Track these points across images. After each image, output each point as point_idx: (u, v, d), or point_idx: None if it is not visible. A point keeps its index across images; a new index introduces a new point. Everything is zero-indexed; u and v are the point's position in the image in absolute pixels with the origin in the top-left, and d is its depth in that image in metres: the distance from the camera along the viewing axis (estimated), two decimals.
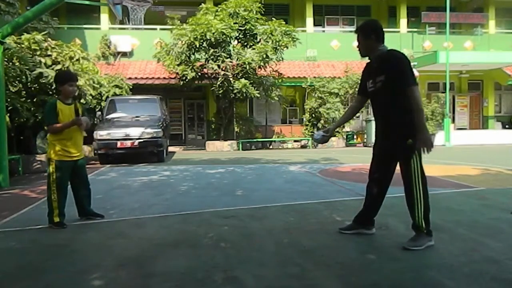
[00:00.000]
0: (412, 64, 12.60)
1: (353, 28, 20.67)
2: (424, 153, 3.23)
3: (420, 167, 3.31)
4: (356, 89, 17.56)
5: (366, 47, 3.47)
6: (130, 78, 15.90)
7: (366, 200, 3.70)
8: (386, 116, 3.43)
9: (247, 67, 14.42)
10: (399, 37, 19.38)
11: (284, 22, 15.22)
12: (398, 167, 3.44)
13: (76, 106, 4.32)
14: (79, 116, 4.23)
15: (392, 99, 3.32)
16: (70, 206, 5.06)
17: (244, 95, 14.69)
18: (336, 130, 17.19)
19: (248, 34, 15.09)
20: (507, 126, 20.29)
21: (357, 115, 17.47)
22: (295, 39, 15.15)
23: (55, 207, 4.18)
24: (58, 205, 4.19)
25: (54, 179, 4.21)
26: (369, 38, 3.42)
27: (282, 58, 15.52)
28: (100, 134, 10.72)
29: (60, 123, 4.17)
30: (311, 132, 17.52)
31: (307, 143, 17.22)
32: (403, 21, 19.79)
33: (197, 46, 14.17)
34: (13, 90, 9.21)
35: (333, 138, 17.04)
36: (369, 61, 3.57)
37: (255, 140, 17.30)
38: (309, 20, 19.42)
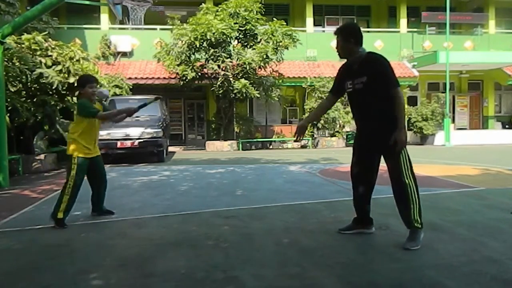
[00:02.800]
0: (412, 64, 12.77)
1: None
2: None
3: (409, 165, 3.34)
4: None
5: (345, 49, 3.53)
6: (130, 78, 15.89)
7: (355, 201, 3.73)
8: (367, 116, 3.49)
9: (247, 67, 14.42)
10: (399, 37, 19.39)
11: (284, 23, 15.23)
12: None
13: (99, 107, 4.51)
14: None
15: (374, 100, 3.39)
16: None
17: (244, 95, 14.68)
18: (336, 130, 17.27)
19: (248, 34, 15.09)
20: (507, 126, 20.28)
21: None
22: (295, 40, 15.16)
23: (64, 201, 4.20)
24: (68, 201, 4.23)
25: (74, 175, 4.26)
26: (348, 41, 3.48)
27: (282, 59, 15.52)
28: (100, 134, 10.65)
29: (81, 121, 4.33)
30: (311, 132, 17.51)
31: (307, 143, 17.22)
32: (403, 21, 19.78)
33: (197, 46, 14.17)
34: (13, 90, 9.21)
35: (333, 138, 17.07)
36: (346, 62, 3.62)
37: (255, 140, 17.30)
38: (309, 20, 19.41)
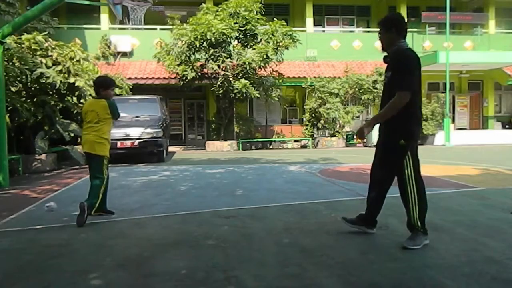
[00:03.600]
0: None
1: (353, 28, 20.71)
2: (357, 137, 3.45)
3: (413, 168, 3.32)
4: (356, 89, 17.61)
5: (387, 40, 3.43)
6: (130, 78, 15.90)
7: (367, 199, 3.70)
8: None
9: (247, 67, 14.42)
10: None
11: (285, 23, 15.23)
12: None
13: None
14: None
15: (392, 98, 3.33)
16: (69, 206, 5.07)
17: (244, 95, 14.69)
18: (336, 130, 17.32)
19: (248, 34, 15.09)
20: (507, 126, 20.28)
21: (357, 115, 17.51)
22: (295, 40, 15.16)
23: (100, 199, 4.47)
24: (103, 197, 4.55)
25: (107, 173, 4.56)
26: (390, 31, 3.38)
27: (282, 59, 15.52)
28: None
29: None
30: (311, 132, 17.51)
31: (307, 143, 17.22)
32: None
33: (197, 46, 14.17)
34: (13, 90, 9.22)
35: (333, 138, 17.06)
36: (386, 54, 3.51)
37: (255, 140, 17.30)
38: (309, 20, 19.41)
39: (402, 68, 3.27)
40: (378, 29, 3.50)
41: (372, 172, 3.66)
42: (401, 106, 3.24)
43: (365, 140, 16.61)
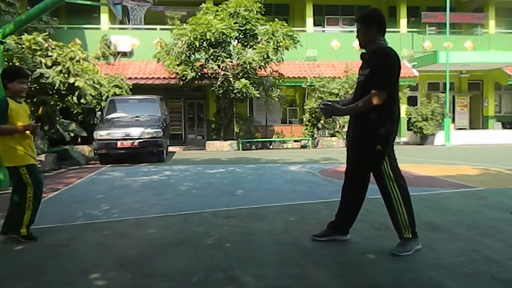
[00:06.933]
0: (412, 64, 12.63)
1: (353, 28, 20.66)
2: (321, 115, 3.29)
3: (391, 171, 3.19)
4: None
5: (366, 37, 3.26)
6: (130, 78, 15.90)
7: (342, 206, 3.52)
8: (360, 114, 3.25)
9: (248, 67, 14.42)
10: (399, 37, 19.37)
11: (285, 23, 15.23)
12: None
13: (26, 107, 3.98)
14: (34, 121, 3.82)
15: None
16: (70, 206, 5.08)
17: (244, 95, 14.68)
18: (336, 130, 17.24)
19: (248, 34, 15.09)
20: (508, 127, 20.27)
21: None
22: (296, 41, 15.16)
23: (26, 219, 3.71)
24: (30, 216, 3.73)
25: (31, 184, 3.70)
26: (371, 28, 3.24)
27: (282, 59, 15.52)
28: (100, 134, 10.72)
29: (9, 124, 3.66)
30: (311, 132, 17.51)
31: (307, 143, 17.22)
32: (403, 21, 19.78)
33: (197, 46, 14.17)
34: None
35: (333, 138, 17.06)
36: (364, 51, 3.37)
37: (255, 140, 17.29)
38: (309, 20, 19.41)
39: (383, 67, 3.13)
40: (356, 26, 3.34)
41: (348, 179, 3.50)
42: (374, 105, 3.10)
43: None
